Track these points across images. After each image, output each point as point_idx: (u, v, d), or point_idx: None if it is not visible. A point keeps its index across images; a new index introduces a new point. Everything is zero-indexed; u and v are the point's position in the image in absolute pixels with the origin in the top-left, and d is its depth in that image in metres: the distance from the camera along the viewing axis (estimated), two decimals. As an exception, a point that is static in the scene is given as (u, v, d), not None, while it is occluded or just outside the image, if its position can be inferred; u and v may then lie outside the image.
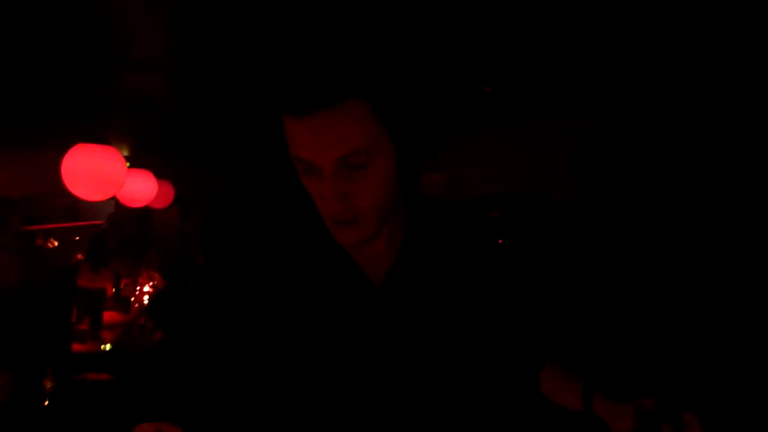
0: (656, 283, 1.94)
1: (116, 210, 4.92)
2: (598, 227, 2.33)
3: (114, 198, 3.19)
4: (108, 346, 3.43)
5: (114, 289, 4.43)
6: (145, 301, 4.77)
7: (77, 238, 4.04)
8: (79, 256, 3.82)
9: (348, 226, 0.90)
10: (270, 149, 5.03)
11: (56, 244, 3.48)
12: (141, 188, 4.46)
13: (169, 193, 5.40)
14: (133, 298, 4.61)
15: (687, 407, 0.89)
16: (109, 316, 3.95)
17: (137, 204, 4.70)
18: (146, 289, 4.99)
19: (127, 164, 3.62)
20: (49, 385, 2.07)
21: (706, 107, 2.74)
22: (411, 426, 1.03)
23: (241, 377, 1.07)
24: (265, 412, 1.08)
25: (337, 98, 0.79)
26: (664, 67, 2.67)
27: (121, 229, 5.14)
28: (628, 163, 2.41)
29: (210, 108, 4.12)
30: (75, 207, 3.48)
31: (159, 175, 4.82)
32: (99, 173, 3.28)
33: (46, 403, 2.05)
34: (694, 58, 2.51)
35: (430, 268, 1.02)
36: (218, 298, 0.99)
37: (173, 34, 2.88)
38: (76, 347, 3.27)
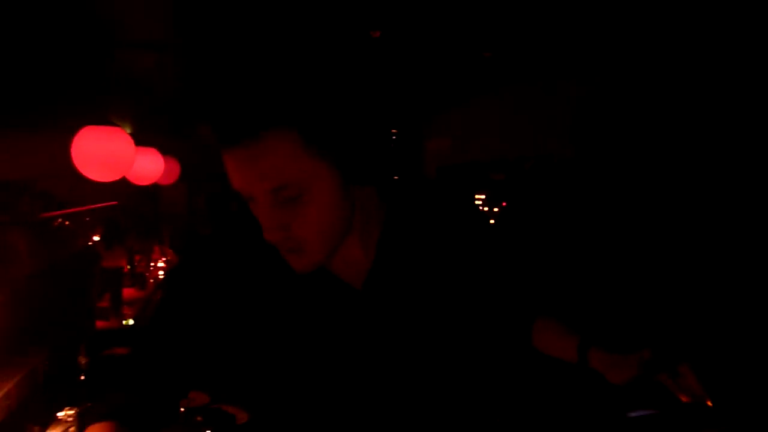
0: (653, 238, 2.00)
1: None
2: (598, 187, 2.39)
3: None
4: (130, 322, 3.56)
5: (129, 266, 4.54)
6: (160, 276, 4.89)
7: (87, 219, 4.12)
8: (95, 237, 3.91)
9: (294, 254, 0.87)
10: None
11: (68, 224, 3.57)
12: (148, 166, 4.52)
13: (175, 170, 5.46)
14: (148, 274, 4.73)
15: (682, 358, 0.97)
16: (127, 292, 4.08)
17: (145, 182, 4.76)
18: (160, 264, 5.11)
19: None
20: (83, 360, 2.18)
21: (706, 72, 2.77)
22: (407, 420, 1.02)
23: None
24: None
25: (260, 129, 0.77)
26: (663, 30, 2.69)
27: (132, 207, 5.23)
28: (628, 125, 2.45)
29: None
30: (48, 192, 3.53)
31: (164, 151, 4.87)
32: (109, 155, 3.34)
33: (83, 377, 2.17)
34: (695, 22, 2.53)
35: (411, 262, 0.99)
36: (197, 303, 0.91)
37: (171, 15, 2.91)
38: (100, 324, 3.40)
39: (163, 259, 5.20)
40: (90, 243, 3.90)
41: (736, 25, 2.56)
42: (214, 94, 0.80)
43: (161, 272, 4.95)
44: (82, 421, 1.97)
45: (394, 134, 5.47)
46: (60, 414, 2.10)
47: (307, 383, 1.01)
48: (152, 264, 5.02)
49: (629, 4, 2.38)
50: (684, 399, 0.99)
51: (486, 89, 4.30)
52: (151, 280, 4.69)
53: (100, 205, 3.63)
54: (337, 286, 0.97)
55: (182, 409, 1.85)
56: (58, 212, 2.87)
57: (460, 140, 4.98)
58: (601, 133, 2.39)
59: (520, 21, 2.76)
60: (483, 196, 4.37)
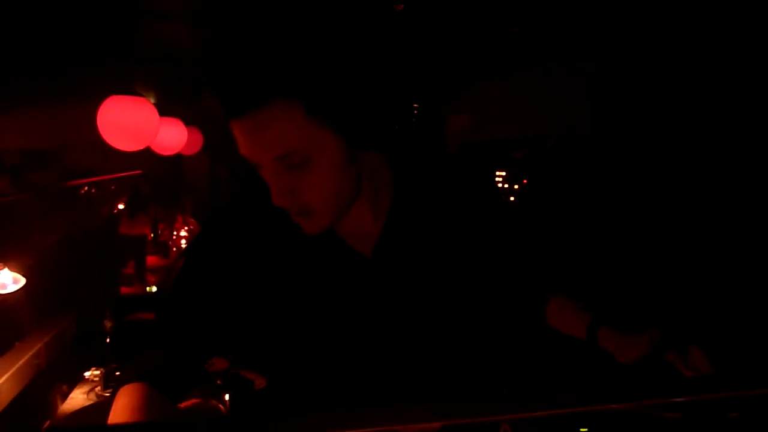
0: (668, 218, 1.99)
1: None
2: (617, 165, 2.36)
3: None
4: (153, 288, 3.65)
5: (152, 235, 4.63)
6: (183, 245, 4.99)
7: (113, 187, 4.20)
8: (120, 205, 4.00)
9: (304, 218, 0.90)
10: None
11: (94, 192, 3.65)
12: (172, 136, 4.57)
13: (198, 140, 5.51)
14: (170, 242, 4.83)
15: (691, 338, 0.97)
16: (151, 260, 4.17)
17: (169, 152, 4.82)
18: (182, 233, 5.20)
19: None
20: (109, 324, 2.26)
21: (728, 54, 2.70)
22: (415, 385, 1.04)
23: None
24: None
25: (265, 99, 0.79)
26: (685, 9, 2.62)
27: (155, 177, 5.31)
28: (649, 103, 2.41)
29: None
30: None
31: (187, 122, 4.92)
32: (134, 125, 3.39)
33: (108, 340, 2.25)
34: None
35: (421, 231, 1.00)
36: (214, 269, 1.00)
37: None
38: (124, 290, 3.50)
39: (186, 228, 5.29)
40: (115, 211, 3.98)
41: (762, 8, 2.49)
42: (219, 67, 0.83)
43: (183, 241, 5.04)
44: (107, 381, 2.06)
45: (415, 109, 5.44)
46: (87, 374, 2.19)
47: (318, 347, 1.04)
48: (175, 233, 5.11)
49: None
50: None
51: (510, 66, 4.25)
52: (174, 249, 4.79)
53: (124, 174, 3.70)
54: (348, 253, 0.99)
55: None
56: (84, 180, 2.94)
57: (482, 117, 4.94)
58: (622, 111, 2.36)
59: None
60: (504, 174, 4.36)
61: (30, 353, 1.94)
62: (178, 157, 5.49)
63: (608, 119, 2.33)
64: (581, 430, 1.16)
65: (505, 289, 1.13)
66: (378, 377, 1.04)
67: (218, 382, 2.01)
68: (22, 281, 1.74)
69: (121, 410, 0.86)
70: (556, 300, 1.14)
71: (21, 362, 1.86)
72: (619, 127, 2.28)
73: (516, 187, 4.17)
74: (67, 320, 2.25)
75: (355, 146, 0.89)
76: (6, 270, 1.71)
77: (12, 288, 1.71)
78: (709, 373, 0.97)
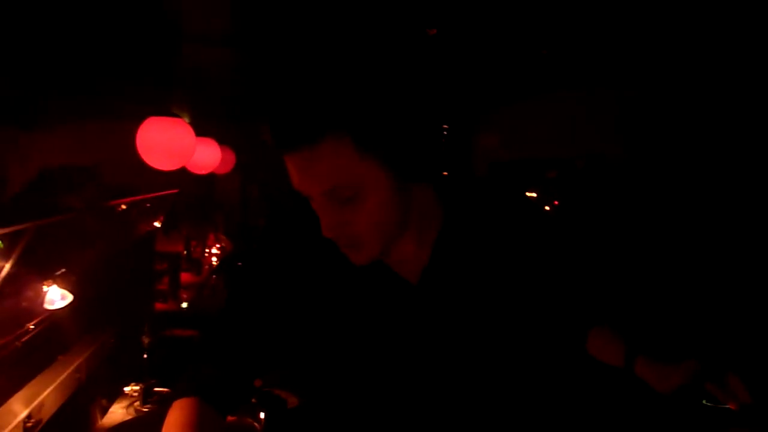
0: (703, 244, 1.97)
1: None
2: (649, 188, 2.34)
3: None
4: (185, 305, 3.73)
5: (185, 252, 4.73)
6: (214, 262, 5.08)
7: (148, 205, 4.32)
8: (156, 223, 4.10)
9: (352, 249, 0.93)
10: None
11: (133, 210, 3.75)
12: (207, 156, 4.68)
13: (231, 159, 5.62)
14: (203, 260, 4.92)
15: (729, 368, 0.97)
16: (184, 277, 4.26)
17: (203, 171, 4.94)
18: (214, 251, 5.30)
19: (195, 134, 3.81)
20: (146, 340, 2.32)
21: (753, 76, 2.68)
22: (451, 416, 1.06)
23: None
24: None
25: (316, 136, 0.82)
26: (713, 35, 2.62)
27: (189, 195, 5.43)
28: (679, 127, 2.40)
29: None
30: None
31: (221, 141, 5.03)
32: (172, 145, 3.49)
33: (145, 356, 2.31)
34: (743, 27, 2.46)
35: (467, 261, 1.01)
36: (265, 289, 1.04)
37: (236, 10, 3.01)
38: (158, 306, 3.58)
39: (218, 245, 5.38)
40: (151, 229, 4.09)
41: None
42: (271, 105, 0.86)
43: (215, 258, 5.13)
44: (146, 396, 2.10)
45: (445, 129, 5.47)
46: (126, 389, 2.24)
47: (359, 372, 1.06)
48: (207, 250, 5.21)
49: (684, 10, 2.33)
50: (732, 408, 0.99)
51: (540, 89, 4.27)
52: (206, 266, 4.88)
53: (162, 193, 3.80)
54: (394, 281, 1.01)
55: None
56: (123, 199, 3.03)
57: (512, 137, 4.95)
58: (653, 134, 2.35)
59: (579, 19, 2.73)
60: (534, 194, 4.35)
61: (72, 367, 2.00)
62: (211, 176, 5.61)
63: (639, 141, 2.32)
64: None
65: (550, 322, 1.13)
66: (411, 404, 1.05)
67: (253, 400, 2.05)
68: (70, 297, 1.81)
69: (173, 424, 0.89)
70: (594, 328, 1.14)
71: (63, 376, 1.92)
72: (650, 150, 2.27)
73: (547, 208, 4.16)
74: (107, 335, 2.31)
75: (404, 178, 0.90)
76: (55, 286, 1.78)
77: (60, 304, 1.78)
78: (748, 402, 0.97)
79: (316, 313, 1.04)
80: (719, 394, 0.98)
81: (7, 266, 1.65)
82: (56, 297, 1.77)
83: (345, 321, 1.03)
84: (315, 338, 1.07)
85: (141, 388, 2.17)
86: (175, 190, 3.97)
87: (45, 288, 1.79)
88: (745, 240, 2.03)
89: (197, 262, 4.73)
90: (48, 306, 1.78)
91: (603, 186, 3.19)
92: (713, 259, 1.92)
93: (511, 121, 4.95)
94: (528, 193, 4.36)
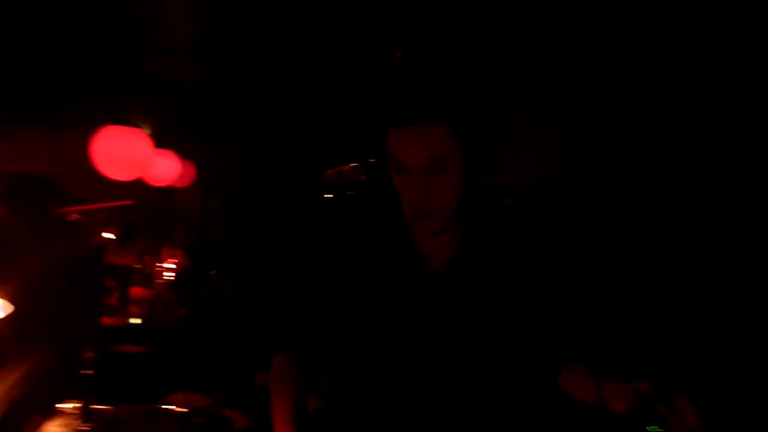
0: (662, 267, 2.01)
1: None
2: (611, 214, 2.39)
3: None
4: (136, 320, 3.60)
5: (138, 266, 4.58)
6: (166, 278, 4.92)
7: (100, 216, 4.19)
8: (108, 234, 3.97)
9: (424, 219, 1.15)
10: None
11: (82, 220, 3.62)
12: (165, 168, 4.58)
13: (191, 173, 5.53)
14: (155, 274, 4.76)
15: (681, 392, 0.98)
16: (135, 291, 4.12)
17: (161, 183, 4.83)
18: (167, 266, 5.15)
19: (153, 145, 3.73)
20: (91, 355, 2.21)
21: (717, 95, 2.78)
22: (463, 396, 1.22)
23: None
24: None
25: (433, 118, 1.11)
26: (675, 61, 2.72)
27: (145, 208, 5.29)
28: (640, 150, 2.46)
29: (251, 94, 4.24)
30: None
31: (182, 154, 4.94)
32: (128, 155, 3.40)
33: (90, 372, 2.20)
34: (703, 54, 2.56)
35: (484, 261, 1.23)
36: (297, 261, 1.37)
37: (202, 22, 2.98)
38: (107, 320, 3.43)
39: (172, 260, 5.24)
40: (102, 240, 3.95)
41: (751, 52, 2.58)
42: (407, 94, 1.13)
43: (168, 273, 4.98)
44: (86, 415, 2.00)
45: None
46: (63, 406, 2.12)
47: (380, 351, 1.23)
48: (160, 265, 5.06)
49: (647, 31, 2.42)
50: (681, 432, 1.00)
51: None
52: (158, 281, 4.73)
53: (115, 203, 3.69)
54: (421, 267, 1.22)
55: (186, 410, 1.87)
56: (73, 208, 2.92)
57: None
58: (617, 158, 2.40)
59: (538, 45, 2.80)
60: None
61: (5, 384, 1.89)
62: (169, 189, 5.49)
63: (601, 168, 2.37)
64: None
65: (539, 328, 1.28)
66: (426, 382, 1.21)
67: (198, 420, 1.97)
68: (10, 308, 1.71)
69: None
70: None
71: (-3, 392, 1.81)
72: (612, 176, 2.32)
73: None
74: (47, 351, 2.20)
75: (471, 166, 1.14)
76: (-8, 296, 1.68)
77: (-4, 315, 1.68)
78: (697, 428, 0.98)
79: (349, 289, 1.25)
80: (671, 417, 0.98)
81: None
82: (-7, 307, 1.66)
83: (370, 298, 1.23)
84: (343, 314, 1.26)
85: (80, 406, 2.05)
86: (130, 201, 3.86)
87: (-19, 298, 1.69)
88: (705, 267, 2.08)
89: (149, 277, 4.59)
90: (-17, 316, 1.67)
91: (563, 214, 3.23)
92: (672, 286, 1.97)
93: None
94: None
